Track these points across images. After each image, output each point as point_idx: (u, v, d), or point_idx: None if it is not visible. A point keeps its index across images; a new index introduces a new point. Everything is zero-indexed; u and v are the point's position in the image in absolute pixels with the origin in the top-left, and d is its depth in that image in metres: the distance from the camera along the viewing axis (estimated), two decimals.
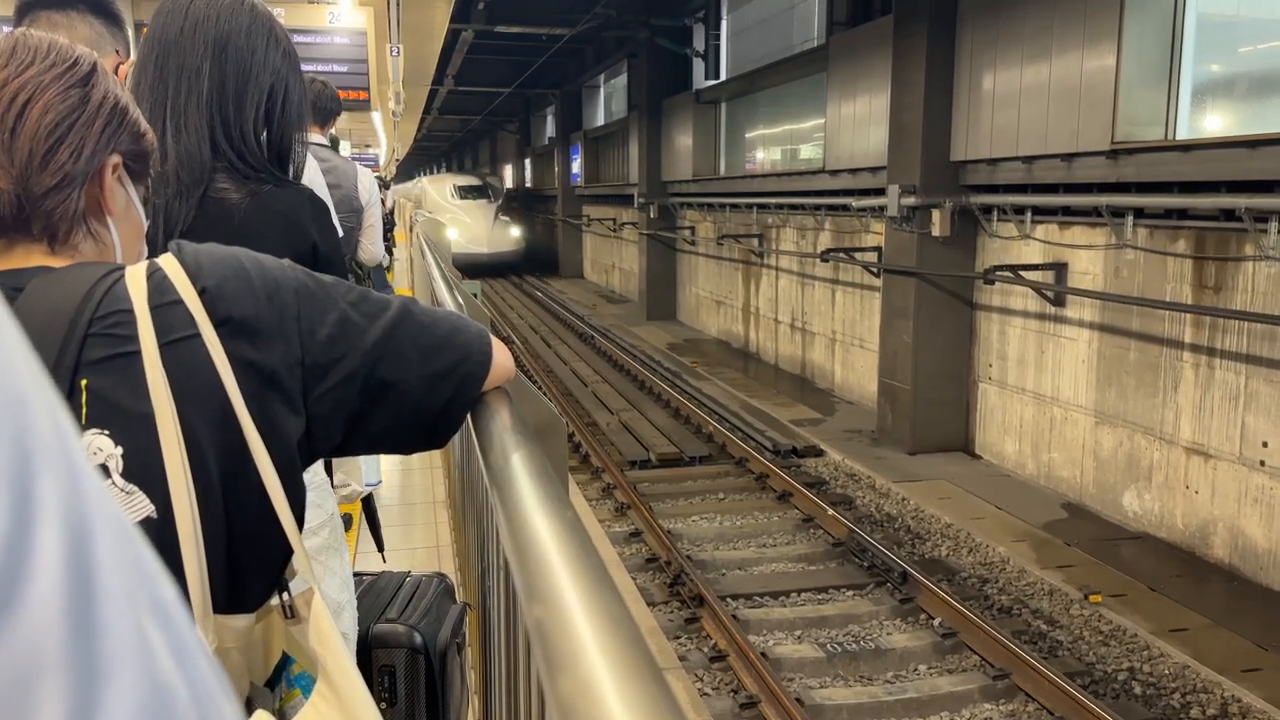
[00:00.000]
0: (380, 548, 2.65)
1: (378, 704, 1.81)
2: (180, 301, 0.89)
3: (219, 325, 0.89)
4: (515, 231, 27.87)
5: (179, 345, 0.88)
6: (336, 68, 6.89)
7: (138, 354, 0.86)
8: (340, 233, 1.79)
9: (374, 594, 1.94)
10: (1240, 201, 6.11)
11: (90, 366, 0.85)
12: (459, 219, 26.08)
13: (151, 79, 1.37)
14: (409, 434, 1.05)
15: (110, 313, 0.87)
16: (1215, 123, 7.24)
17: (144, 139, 0.99)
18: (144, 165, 1.01)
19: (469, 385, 1.05)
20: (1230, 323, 6.50)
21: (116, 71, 1.76)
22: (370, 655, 1.79)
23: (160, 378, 0.86)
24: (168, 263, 0.91)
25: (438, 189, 27.73)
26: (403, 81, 11.23)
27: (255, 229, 1.36)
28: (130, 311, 0.87)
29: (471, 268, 23.96)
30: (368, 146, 20.75)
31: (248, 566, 0.94)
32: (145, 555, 0.27)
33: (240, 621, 0.93)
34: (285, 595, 0.98)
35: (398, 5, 8.21)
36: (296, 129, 1.49)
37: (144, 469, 0.85)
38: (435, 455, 4.99)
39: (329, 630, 0.96)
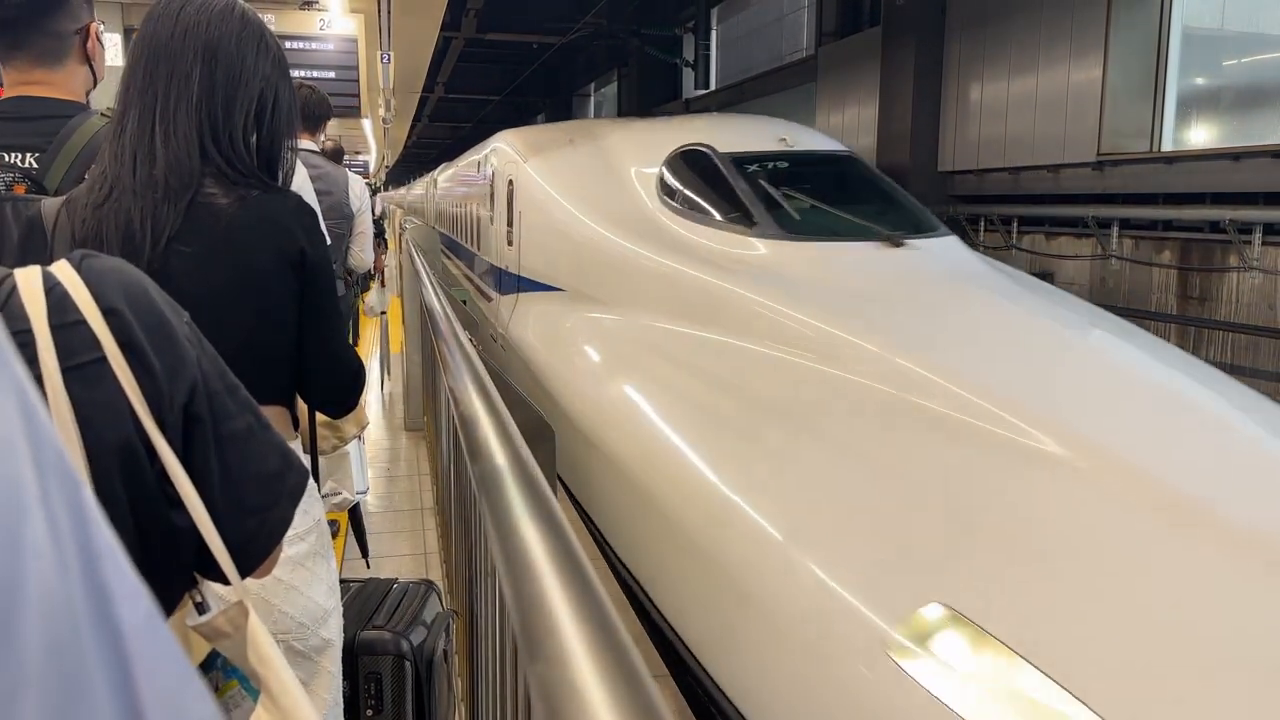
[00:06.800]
0: (365, 554, 2.65)
1: (364, 711, 1.81)
2: (83, 322, 0.82)
3: (125, 348, 0.83)
4: None
5: (83, 370, 0.81)
6: (327, 74, 6.89)
7: (38, 380, 0.79)
8: (329, 240, 1.79)
9: (361, 601, 1.93)
10: (1224, 213, 6.16)
11: None
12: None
13: (141, 83, 1.36)
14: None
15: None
16: (1200, 135, 7.30)
17: None
18: None
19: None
20: (1214, 332, 6.55)
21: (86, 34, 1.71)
22: (357, 662, 1.79)
23: (64, 406, 0.79)
24: (65, 275, 0.84)
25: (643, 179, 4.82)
26: (393, 88, 11.24)
27: (243, 234, 1.36)
28: (29, 332, 0.79)
29: None
30: (357, 154, 20.62)
31: (164, 599, 0.90)
32: None
33: None
34: (196, 594, 0.95)
35: (389, 12, 8.21)
36: (286, 136, 1.49)
37: None
38: (423, 462, 4.97)
39: (269, 651, 0.94)
